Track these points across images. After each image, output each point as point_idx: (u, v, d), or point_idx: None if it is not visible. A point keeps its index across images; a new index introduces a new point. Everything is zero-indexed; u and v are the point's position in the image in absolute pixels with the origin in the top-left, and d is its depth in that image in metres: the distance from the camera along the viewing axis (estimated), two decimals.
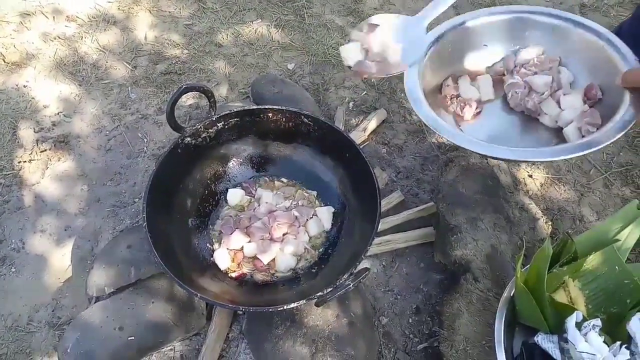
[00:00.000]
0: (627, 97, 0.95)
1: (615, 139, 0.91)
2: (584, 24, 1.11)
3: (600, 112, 1.03)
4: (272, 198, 1.30)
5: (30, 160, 1.54)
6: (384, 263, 1.35)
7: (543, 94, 1.09)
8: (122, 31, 1.86)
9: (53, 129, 1.61)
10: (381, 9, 1.97)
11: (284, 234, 1.24)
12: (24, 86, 1.70)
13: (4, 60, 1.75)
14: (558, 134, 1.07)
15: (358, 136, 1.54)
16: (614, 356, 0.91)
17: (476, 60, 1.21)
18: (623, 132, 0.91)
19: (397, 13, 1.90)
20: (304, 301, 1.00)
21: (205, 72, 1.76)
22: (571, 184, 1.51)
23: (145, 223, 1.07)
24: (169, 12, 1.93)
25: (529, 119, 1.11)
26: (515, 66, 1.15)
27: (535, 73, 1.12)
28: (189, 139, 1.23)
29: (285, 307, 1.00)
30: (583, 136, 1.04)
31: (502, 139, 1.09)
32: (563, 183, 1.51)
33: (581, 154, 0.93)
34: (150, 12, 1.92)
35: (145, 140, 1.59)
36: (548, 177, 1.51)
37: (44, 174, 1.52)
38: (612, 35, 1.07)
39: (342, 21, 1.93)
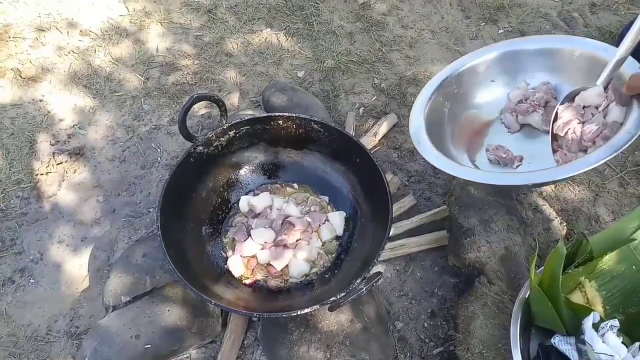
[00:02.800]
0: (635, 104, 0.96)
1: (628, 144, 0.91)
2: (582, 42, 1.13)
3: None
4: (285, 204, 1.30)
5: (47, 172, 1.56)
6: (397, 267, 1.35)
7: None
8: (134, 43, 1.89)
9: (69, 141, 1.64)
10: (389, 14, 1.98)
11: (297, 240, 1.25)
12: (40, 100, 1.74)
13: (20, 76, 1.78)
14: None
15: (369, 141, 1.54)
16: (633, 357, 0.90)
17: (487, 97, 1.27)
18: (632, 140, 0.91)
19: (406, 18, 1.91)
20: (318, 306, 1.00)
21: (217, 81, 1.78)
22: (586, 184, 1.49)
23: (159, 232, 1.09)
24: (180, 23, 1.96)
25: None
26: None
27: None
28: (201, 147, 1.24)
29: (299, 313, 1.00)
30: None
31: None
32: (577, 183, 1.49)
33: (597, 164, 0.95)
34: (161, 24, 1.95)
35: (159, 150, 1.61)
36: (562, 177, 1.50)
37: (61, 185, 1.54)
38: (612, 48, 1.09)
39: (350, 27, 1.94)
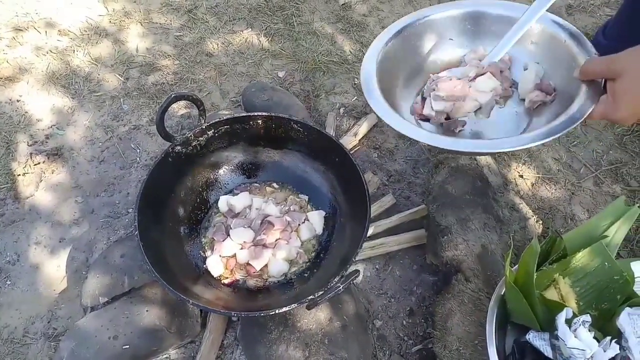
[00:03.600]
0: (584, 89, 0.95)
1: (569, 129, 0.91)
2: (547, 17, 1.12)
3: (559, 109, 1.04)
4: (264, 204, 1.31)
5: (24, 173, 1.54)
6: (377, 266, 1.36)
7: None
8: (113, 44, 1.88)
9: (47, 142, 1.62)
10: (370, 15, 1.99)
11: (276, 240, 1.25)
12: (17, 100, 1.72)
13: None
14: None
15: (349, 141, 1.55)
16: (604, 351, 0.91)
17: (442, 55, 1.23)
18: (576, 124, 0.91)
19: (386, 19, 1.92)
20: (296, 305, 1.01)
21: (197, 81, 1.78)
22: (562, 183, 1.52)
23: (137, 232, 1.08)
24: (160, 23, 1.95)
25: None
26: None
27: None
28: (179, 147, 1.24)
29: (277, 311, 1.00)
30: (528, 109, 1.11)
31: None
32: (554, 182, 1.51)
33: (533, 144, 0.93)
34: (141, 24, 1.94)
35: (138, 150, 1.60)
36: (539, 176, 1.52)
37: (38, 186, 1.53)
38: (573, 28, 1.09)
39: (331, 28, 1.95)
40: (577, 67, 0.98)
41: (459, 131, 1.11)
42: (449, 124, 1.12)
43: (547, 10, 1.09)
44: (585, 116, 0.90)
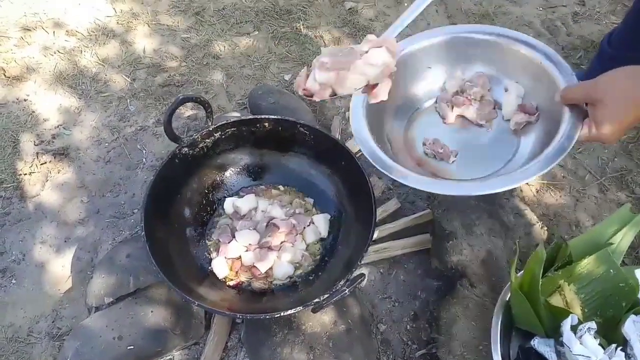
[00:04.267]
0: (567, 112, 0.97)
1: (560, 158, 0.93)
2: (522, 40, 1.15)
3: (545, 127, 1.07)
4: (270, 206, 1.31)
5: (30, 172, 1.55)
6: (381, 270, 1.36)
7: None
8: (121, 44, 1.89)
9: (53, 141, 1.63)
10: (376, 20, 2.00)
11: (281, 242, 1.25)
12: (25, 100, 1.72)
13: (4, 75, 1.77)
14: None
15: (354, 145, 1.55)
16: (610, 358, 0.91)
17: (423, 85, 1.25)
18: (566, 152, 0.93)
19: (392, 23, 1.92)
20: (301, 308, 1.01)
21: (203, 83, 1.78)
22: (567, 189, 1.52)
23: (143, 232, 1.09)
24: (167, 25, 1.96)
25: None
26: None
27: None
28: (186, 149, 1.24)
29: (282, 314, 1.00)
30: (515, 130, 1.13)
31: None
32: (559, 189, 1.52)
33: (525, 181, 0.96)
34: (148, 25, 1.95)
35: (144, 151, 1.61)
36: (543, 183, 1.53)
37: (44, 186, 1.53)
38: (549, 49, 1.10)
39: (338, 32, 1.95)
40: (557, 91, 1.00)
41: (452, 162, 1.14)
42: (441, 155, 1.14)
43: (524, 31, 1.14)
44: (573, 144, 0.93)
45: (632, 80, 0.85)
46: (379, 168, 1.04)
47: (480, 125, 1.18)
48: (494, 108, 1.18)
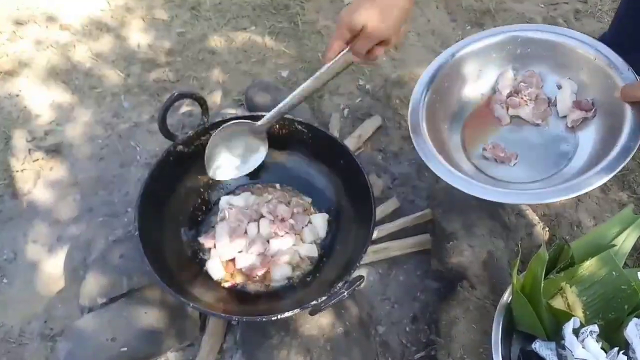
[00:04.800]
0: (628, 110, 0.96)
1: (625, 162, 0.92)
2: (572, 36, 1.14)
3: (605, 122, 1.05)
4: (267, 205, 1.28)
5: (22, 169, 1.52)
6: (380, 271, 1.34)
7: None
8: (115, 39, 1.86)
9: (45, 138, 1.60)
10: None
11: (278, 243, 1.23)
12: (17, 95, 1.69)
13: None
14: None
15: (353, 143, 1.53)
16: None
17: (475, 88, 1.27)
18: (631, 155, 0.92)
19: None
20: (298, 310, 0.99)
21: (199, 79, 1.75)
22: None
23: (137, 232, 1.06)
24: (163, 19, 1.93)
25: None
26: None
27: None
28: (181, 146, 1.22)
29: (279, 317, 0.99)
30: (572, 127, 1.14)
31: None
32: None
33: (590, 188, 0.97)
34: (143, 20, 1.92)
35: (138, 148, 1.58)
36: None
37: (36, 183, 1.50)
38: (601, 45, 1.10)
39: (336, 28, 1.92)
40: (614, 86, 0.99)
41: (514, 164, 1.16)
42: (502, 159, 1.16)
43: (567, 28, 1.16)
44: (638, 144, 0.94)
45: None
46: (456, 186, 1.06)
47: (537, 124, 1.18)
48: (549, 106, 1.19)
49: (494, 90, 1.26)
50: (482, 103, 1.27)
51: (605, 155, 0.99)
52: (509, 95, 1.22)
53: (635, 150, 0.93)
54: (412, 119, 1.15)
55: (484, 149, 1.19)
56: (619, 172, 0.96)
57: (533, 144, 1.19)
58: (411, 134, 1.13)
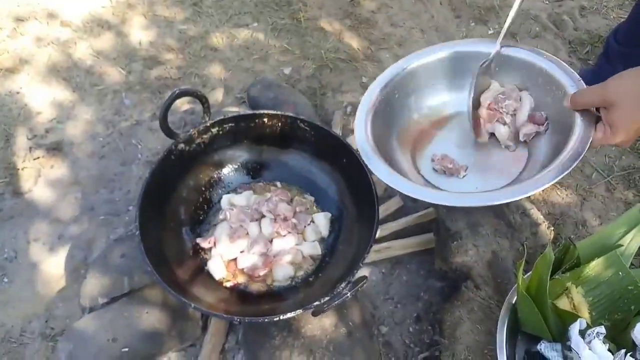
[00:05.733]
0: (578, 118, 0.96)
1: (574, 165, 0.92)
2: (525, 49, 1.14)
3: (555, 137, 1.06)
4: (269, 204, 1.27)
5: (23, 167, 1.51)
6: (383, 270, 1.33)
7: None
8: (116, 36, 1.84)
9: (46, 135, 1.59)
10: (379, 11, 1.96)
11: (281, 242, 1.22)
12: (17, 92, 1.68)
13: None
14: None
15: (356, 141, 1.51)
16: None
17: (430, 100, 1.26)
18: (580, 158, 0.92)
19: (395, 16, 1.89)
20: (301, 311, 0.98)
21: (201, 77, 1.74)
22: (573, 188, 1.49)
23: (138, 231, 1.05)
24: (164, 16, 1.91)
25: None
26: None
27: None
28: (182, 145, 1.20)
29: (281, 317, 0.97)
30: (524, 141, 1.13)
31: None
32: (565, 187, 1.49)
33: (540, 189, 0.95)
34: (144, 16, 1.91)
35: (140, 146, 1.57)
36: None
37: (37, 181, 1.50)
38: (553, 58, 1.10)
39: (339, 24, 1.91)
40: (566, 96, 0.99)
41: (463, 176, 1.14)
42: (451, 171, 1.15)
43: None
44: (587, 148, 0.92)
45: None
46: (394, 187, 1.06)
47: (508, 148, 1.17)
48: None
49: (477, 102, 1.20)
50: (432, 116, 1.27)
51: (555, 159, 0.98)
52: (488, 106, 1.17)
53: (583, 155, 0.92)
54: (359, 135, 1.16)
55: (432, 160, 1.18)
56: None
57: (483, 158, 1.17)
58: (362, 155, 1.14)
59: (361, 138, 1.14)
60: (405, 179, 1.06)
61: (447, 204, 1.06)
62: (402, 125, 1.24)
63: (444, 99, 1.26)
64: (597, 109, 0.94)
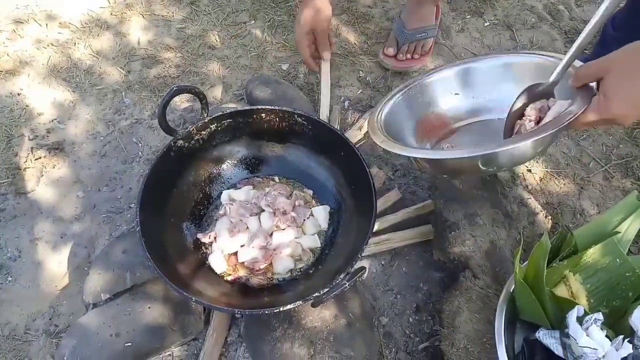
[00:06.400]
0: (578, 95, 0.94)
1: (559, 127, 0.89)
2: (524, 54, 1.15)
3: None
4: (267, 198, 1.28)
5: (25, 168, 1.52)
6: (382, 262, 1.33)
7: None
8: (115, 36, 1.85)
9: (47, 136, 1.60)
10: (375, 6, 1.96)
11: (280, 235, 1.23)
12: (18, 94, 1.69)
13: None
14: None
15: (354, 135, 1.52)
16: (616, 350, 0.90)
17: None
18: (566, 121, 0.89)
19: (391, 11, 1.89)
20: (301, 302, 0.99)
21: (199, 74, 1.75)
22: (571, 177, 1.49)
23: (138, 227, 1.07)
24: (162, 15, 1.92)
25: None
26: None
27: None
28: (181, 141, 1.22)
29: (281, 309, 0.99)
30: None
31: None
32: (563, 177, 1.49)
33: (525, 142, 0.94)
34: (143, 16, 1.92)
35: (140, 145, 1.58)
36: (547, 171, 1.50)
37: (39, 181, 1.51)
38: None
39: (335, 20, 1.91)
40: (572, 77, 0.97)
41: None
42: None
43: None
44: (577, 114, 0.89)
45: None
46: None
47: None
48: None
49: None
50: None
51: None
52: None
53: (568, 121, 0.90)
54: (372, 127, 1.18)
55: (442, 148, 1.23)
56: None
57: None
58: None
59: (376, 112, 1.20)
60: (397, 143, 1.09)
61: (427, 157, 1.08)
62: (421, 118, 1.28)
63: (465, 104, 1.30)
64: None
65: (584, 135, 1.58)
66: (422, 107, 1.29)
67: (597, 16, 0.89)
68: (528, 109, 1.09)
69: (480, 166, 1.03)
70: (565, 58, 0.99)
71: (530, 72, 1.16)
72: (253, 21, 1.91)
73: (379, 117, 1.20)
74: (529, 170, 1.49)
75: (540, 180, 1.48)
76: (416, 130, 1.27)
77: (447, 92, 1.29)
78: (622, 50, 0.84)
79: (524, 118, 1.09)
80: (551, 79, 1.03)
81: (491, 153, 0.96)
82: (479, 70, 1.26)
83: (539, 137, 0.91)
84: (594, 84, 0.91)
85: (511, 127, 1.08)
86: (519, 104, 1.06)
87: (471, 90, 1.28)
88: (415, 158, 1.12)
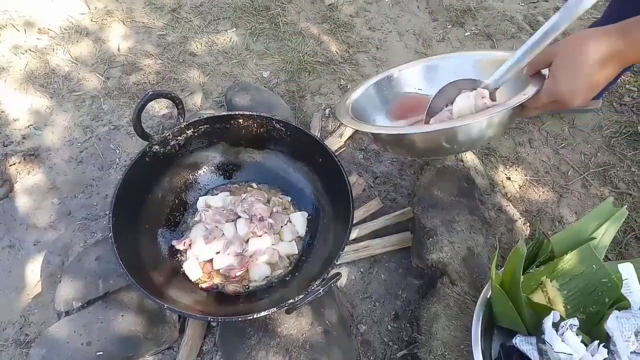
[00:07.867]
0: (530, 81, 0.95)
1: (512, 104, 0.89)
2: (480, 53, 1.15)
3: None
4: (244, 205, 1.27)
5: None
6: (362, 269, 1.32)
7: None
8: (94, 43, 1.84)
9: (23, 142, 1.57)
10: (357, 16, 1.97)
11: (257, 242, 1.21)
12: None
13: None
14: None
15: (334, 142, 1.52)
16: (592, 355, 0.89)
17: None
18: (520, 100, 0.89)
19: (373, 20, 1.90)
20: (275, 309, 0.97)
21: (179, 81, 1.74)
22: (550, 185, 1.50)
23: (111, 233, 1.04)
24: (143, 22, 1.91)
25: None
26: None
27: None
28: (157, 147, 1.20)
29: (255, 316, 0.97)
30: None
31: None
32: (542, 185, 1.49)
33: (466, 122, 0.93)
34: (123, 23, 1.90)
35: (118, 151, 1.56)
36: (526, 179, 1.50)
37: (13, 188, 1.48)
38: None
39: (317, 29, 1.92)
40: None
41: None
42: None
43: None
44: (530, 96, 0.89)
45: (588, 33, 0.83)
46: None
47: None
48: None
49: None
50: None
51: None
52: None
53: (519, 101, 0.90)
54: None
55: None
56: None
57: None
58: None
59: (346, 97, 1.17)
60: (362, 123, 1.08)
61: (387, 133, 1.06)
62: (393, 101, 1.25)
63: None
64: None
65: (563, 144, 1.59)
66: (390, 99, 1.26)
67: (545, 28, 0.92)
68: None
69: (443, 144, 1.02)
70: (507, 65, 1.00)
71: (493, 69, 1.17)
72: (235, 29, 1.91)
73: (347, 103, 1.18)
74: (508, 178, 1.49)
75: (520, 187, 1.48)
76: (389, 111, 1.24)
77: (412, 87, 1.26)
78: (569, 37, 0.87)
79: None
80: (489, 81, 1.04)
81: (449, 128, 0.96)
82: (442, 68, 1.24)
83: (493, 113, 0.91)
84: (546, 72, 0.93)
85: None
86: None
87: (433, 86, 1.26)
88: (379, 136, 1.10)
